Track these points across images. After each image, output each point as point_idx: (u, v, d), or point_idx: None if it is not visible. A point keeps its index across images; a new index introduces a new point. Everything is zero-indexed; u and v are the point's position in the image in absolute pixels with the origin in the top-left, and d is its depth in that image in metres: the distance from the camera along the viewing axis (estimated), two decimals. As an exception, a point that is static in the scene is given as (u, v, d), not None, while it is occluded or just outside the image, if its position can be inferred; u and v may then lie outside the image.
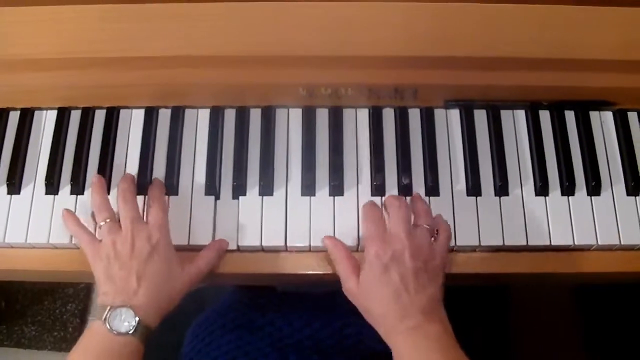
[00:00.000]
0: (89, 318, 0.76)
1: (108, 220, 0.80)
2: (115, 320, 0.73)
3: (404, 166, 0.86)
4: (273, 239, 0.83)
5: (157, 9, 0.81)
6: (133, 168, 0.87)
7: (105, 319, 0.73)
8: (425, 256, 0.75)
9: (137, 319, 0.73)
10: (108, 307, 0.73)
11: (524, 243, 0.82)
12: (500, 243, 0.82)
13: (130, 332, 0.73)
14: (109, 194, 0.85)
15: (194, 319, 1.03)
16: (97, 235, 0.81)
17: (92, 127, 0.90)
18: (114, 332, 0.72)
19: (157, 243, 0.77)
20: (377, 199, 0.85)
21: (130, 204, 0.81)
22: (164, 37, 0.81)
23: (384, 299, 0.73)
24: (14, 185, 0.86)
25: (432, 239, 0.79)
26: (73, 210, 0.85)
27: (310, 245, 0.83)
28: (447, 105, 0.89)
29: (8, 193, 0.86)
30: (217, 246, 0.83)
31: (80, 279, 0.93)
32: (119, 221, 0.80)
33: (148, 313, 0.75)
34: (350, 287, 0.77)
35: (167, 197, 0.85)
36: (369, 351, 0.93)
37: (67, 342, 1.75)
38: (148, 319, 0.75)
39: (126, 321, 0.73)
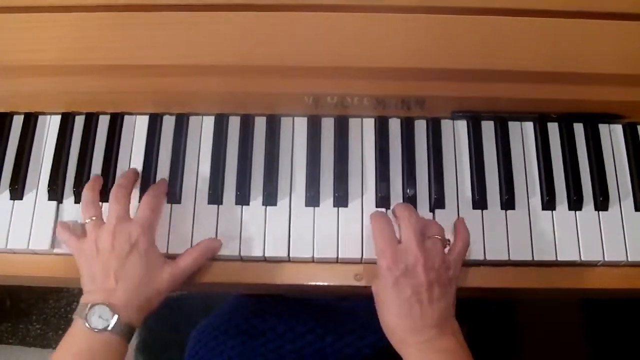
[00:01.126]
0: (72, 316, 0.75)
1: (94, 217, 0.80)
2: (93, 317, 0.73)
3: (409, 177, 0.85)
4: (276, 250, 0.83)
5: (161, 17, 0.81)
6: (136, 175, 0.87)
7: (84, 316, 0.73)
8: (438, 268, 0.74)
9: (116, 316, 0.73)
10: (88, 305, 0.74)
11: (530, 258, 0.81)
12: (505, 258, 0.81)
13: (109, 328, 0.73)
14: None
15: (199, 321, 1.03)
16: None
17: (95, 132, 0.89)
18: (94, 329, 0.72)
19: (136, 242, 0.77)
20: (381, 211, 0.84)
21: (120, 201, 0.81)
22: (169, 45, 0.81)
23: (394, 312, 0.73)
24: (17, 190, 0.86)
25: (445, 249, 0.78)
26: (75, 217, 0.85)
27: (313, 257, 0.82)
28: (454, 116, 0.88)
29: (11, 198, 0.86)
30: (203, 246, 0.82)
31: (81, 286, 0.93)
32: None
33: (128, 311, 0.75)
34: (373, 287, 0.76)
35: (170, 204, 0.85)
36: (369, 360, 0.93)
37: (71, 341, 1.76)
38: (128, 317, 0.75)
39: (103, 318, 0.73)
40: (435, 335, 0.72)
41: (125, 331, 0.74)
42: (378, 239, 0.77)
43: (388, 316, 0.74)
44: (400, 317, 0.73)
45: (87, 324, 0.73)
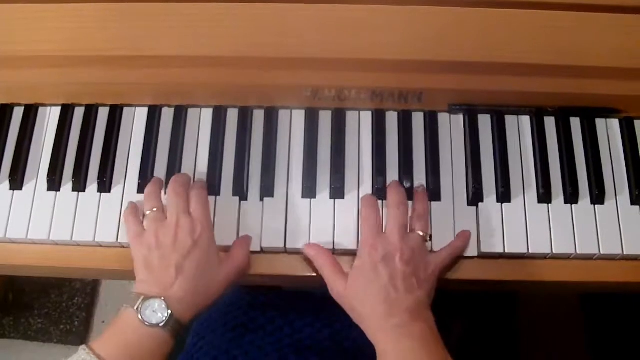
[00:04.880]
0: (122, 306, 0.74)
1: (155, 209, 0.79)
2: (147, 310, 0.72)
3: (405, 170, 0.86)
4: (273, 241, 0.83)
5: (161, 9, 0.81)
6: (135, 166, 0.87)
7: (137, 308, 0.72)
8: (416, 263, 0.76)
9: (169, 311, 0.72)
10: (142, 297, 0.72)
11: (525, 251, 0.82)
12: (501, 250, 0.82)
13: (161, 324, 0.72)
14: (109, 191, 0.86)
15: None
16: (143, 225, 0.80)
17: (95, 124, 0.90)
18: (145, 322, 0.71)
19: (199, 238, 0.76)
20: (371, 196, 0.84)
21: (181, 195, 0.79)
22: (168, 36, 0.81)
23: (371, 297, 0.74)
24: (16, 181, 0.86)
25: (427, 244, 0.79)
26: (74, 207, 0.85)
27: (309, 248, 0.83)
28: (451, 110, 0.88)
29: (10, 189, 0.86)
30: (245, 242, 0.82)
31: (79, 276, 0.93)
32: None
33: (182, 307, 0.74)
34: (338, 288, 0.78)
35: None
36: (367, 355, 0.92)
37: (73, 336, 1.77)
38: (180, 313, 0.73)
39: (158, 312, 0.72)
40: (408, 321, 0.72)
41: (175, 328, 0.73)
42: (364, 227, 0.80)
43: (365, 302, 0.75)
44: (377, 301, 0.74)
45: (139, 316, 0.71)
